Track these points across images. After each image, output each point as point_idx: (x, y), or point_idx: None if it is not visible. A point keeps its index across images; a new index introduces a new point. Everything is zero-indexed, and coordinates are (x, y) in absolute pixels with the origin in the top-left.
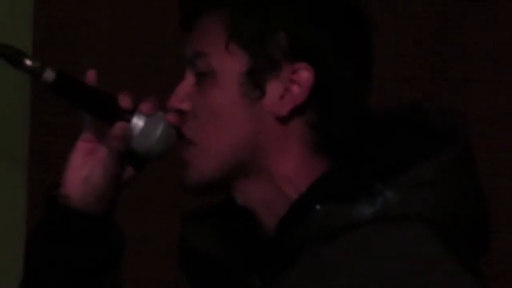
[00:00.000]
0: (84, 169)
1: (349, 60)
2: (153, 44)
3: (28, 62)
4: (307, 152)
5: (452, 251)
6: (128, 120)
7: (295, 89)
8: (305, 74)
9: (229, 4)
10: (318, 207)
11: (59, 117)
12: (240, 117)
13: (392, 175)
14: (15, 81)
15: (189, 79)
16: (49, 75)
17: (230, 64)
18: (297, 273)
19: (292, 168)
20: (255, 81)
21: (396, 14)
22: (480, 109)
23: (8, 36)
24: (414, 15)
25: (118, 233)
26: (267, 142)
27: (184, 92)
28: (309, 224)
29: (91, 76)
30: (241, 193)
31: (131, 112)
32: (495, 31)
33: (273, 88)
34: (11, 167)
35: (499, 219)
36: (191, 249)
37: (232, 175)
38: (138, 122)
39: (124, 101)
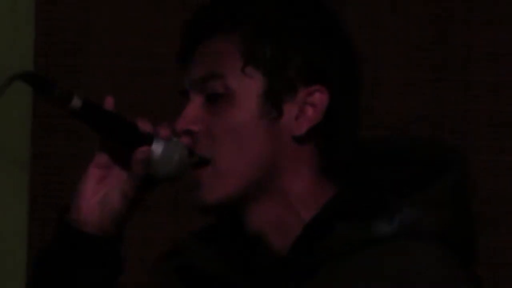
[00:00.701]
0: (98, 194)
1: (353, 84)
2: (155, 46)
3: (56, 91)
4: (315, 174)
5: (463, 267)
6: (149, 145)
7: (310, 110)
8: (319, 96)
9: (244, 27)
10: (336, 225)
11: (60, 119)
12: (259, 137)
13: (406, 193)
14: (16, 83)
15: (197, 101)
16: (76, 103)
17: (247, 85)
18: None
19: (304, 189)
20: (272, 102)
21: (397, 16)
22: (482, 110)
23: (10, 39)
24: (414, 18)
25: (122, 254)
26: (282, 162)
27: (192, 114)
28: (326, 242)
29: (109, 102)
30: (252, 214)
31: (150, 137)
32: (496, 32)
33: (289, 109)
34: (13, 168)
35: None
36: (193, 268)
37: (246, 196)
38: (157, 147)
39: (144, 127)
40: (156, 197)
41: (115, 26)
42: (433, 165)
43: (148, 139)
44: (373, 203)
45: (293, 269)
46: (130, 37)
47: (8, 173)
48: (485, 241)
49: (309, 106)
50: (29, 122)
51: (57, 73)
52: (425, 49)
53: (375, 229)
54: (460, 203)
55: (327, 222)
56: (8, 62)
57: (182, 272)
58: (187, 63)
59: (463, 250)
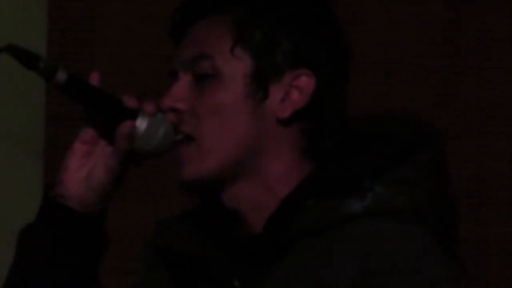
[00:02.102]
0: (83, 169)
1: (341, 70)
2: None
3: (41, 64)
4: (297, 155)
5: (437, 241)
6: (133, 120)
7: (295, 94)
8: (306, 80)
9: (235, 11)
10: (308, 202)
11: (74, 108)
12: (244, 117)
13: (379, 172)
14: (30, 73)
15: (185, 80)
16: (61, 76)
17: (235, 67)
18: (284, 268)
19: (283, 169)
20: (259, 83)
21: (410, 3)
22: (496, 95)
23: (24, 28)
24: (428, 4)
25: (105, 231)
26: (264, 143)
27: (180, 92)
28: (299, 220)
29: (95, 78)
30: (231, 193)
31: (135, 113)
32: (510, 17)
33: (275, 92)
34: (28, 158)
35: None
36: (169, 251)
37: (226, 174)
38: (142, 122)
39: (130, 102)
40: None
41: (127, 14)
42: (406, 143)
43: (133, 114)
44: (345, 182)
45: (267, 247)
46: (143, 26)
47: (23, 162)
48: None
49: (294, 89)
50: (43, 111)
51: (71, 61)
52: (438, 36)
53: (347, 207)
54: (434, 181)
55: (300, 200)
56: (21, 29)
57: (164, 254)
58: (178, 44)
59: (439, 228)
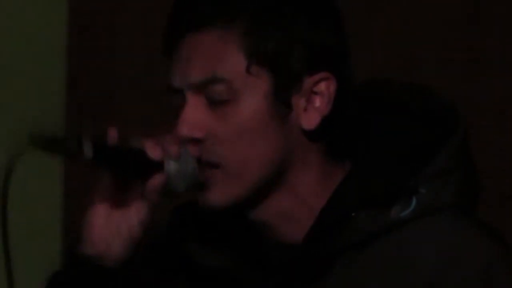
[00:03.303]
0: (109, 226)
1: (349, 61)
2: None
3: (68, 146)
4: (325, 162)
5: (483, 229)
6: (161, 168)
7: (318, 100)
8: (326, 84)
9: (242, 20)
10: (354, 214)
11: (95, 105)
12: (270, 136)
13: (418, 169)
14: (49, 66)
15: (197, 104)
16: (88, 152)
17: (253, 86)
18: (334, 281)
19: (315, 180)
20: (280, 98)
21: None
22: None
23: (44, 23)
24: None
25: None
26: (293, 157)
27: (194, 119)
28: (345, 231)
29: (113, 136)
30: (260, 208)
31: (161, 163)
32: None
33: (297, 102)
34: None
35: None
36: (189, 259)
37: (256, 194)
38: (169, 167)
39: (154, 153)
40: None
41: (148, 6)
42: (435, 129)
43: (159, 164)
44: (387, 187)
45: (309, 259)
46: (163, 17)
47: (42, 159)
48: None
49: (316, 95)
50: (63, 106)
51: (90, 53)
52: (460, 29)
53: (395, 215)
54: (467, 168)
55: (341, 210)
56: (41, 43)
57: (182, 259)
58: (174, 55)
59: (474, 215)
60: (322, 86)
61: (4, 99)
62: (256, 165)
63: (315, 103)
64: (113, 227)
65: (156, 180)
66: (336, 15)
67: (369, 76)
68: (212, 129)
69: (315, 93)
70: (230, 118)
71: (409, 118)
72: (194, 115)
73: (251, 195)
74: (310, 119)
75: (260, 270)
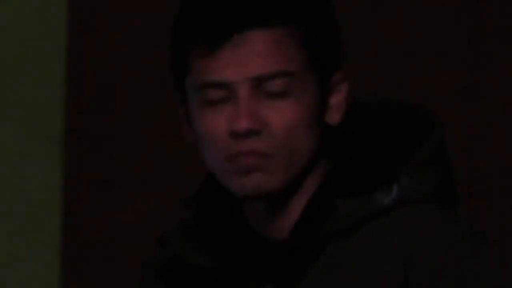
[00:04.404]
0: None
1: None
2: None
3: None
4: (326, 156)
5: (461, 222)
6: None
7: (339, 98)
8: (344, 84)
9: (300, 21)
10: (337, 202)
11: (95, 96)
12: (315, 131)
13: (399, 161)
14: (50, 61)
15: (255, 97)
16: None
17: (308, 82)
18: (320, 269)
19: (318, 173)
20: (323, 95)
21: None
22: None
23: (43, 21)
24: None
25: None
26: (317, 150)
27: (254, 111)
28: (329, 219)
29: None
30: (281, 202)
31: None
32: None
33: (327, 100)
34: (48, 145)
35: None
36: (179, 265)
37: (290, 186)
38: None
39: None
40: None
41: (146, 3)
42: (414, 127)
43: None
44: (369, 176)
45: (295, 252)
46: (161, 12)
47: (43, 151)
48: None
49: (337, 93)
50: (63, 98)
51: (90, 44)
52: (460, 22)
53: (376, 202)
54: (443, 162)
55: (324, 199)
56: (40, 42)
57: (171, 268)
58: (223, 50)
59: (453, 209)
60: (342, 85)
61: (3, 99)
62: (302, 158)
63: (338, 100)
64: None
65: None
66: (337, 19)
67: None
68: (268, 122)
69: (338, 91)
70: (286, 111)
71: (390, 118)
72: (253, 108)
73: (288, 186)
74: (334, 116)
75: (249, 268)
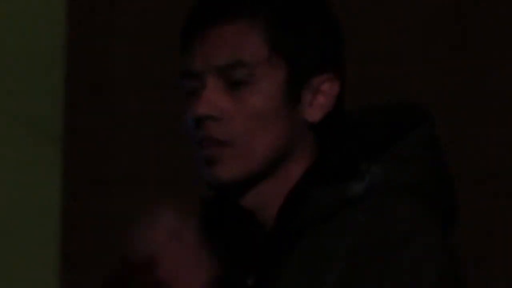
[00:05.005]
0: None
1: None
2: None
3: None
4: (315, 152)
5: (433, 215)
6: None
7: (322, 98)
8: (331, 85)
9: (265, 14)
10: (313, 191)
11: (94, 94)
12: (279, 122)
13: (374, 154)
14: (48, 61)
15: (217, 86)
16: None
17: (271, 74)
18: (297, 257)
19: (303, 167)
20: (293, 89)
21: None
22: (502, 84)
23: (43, 21)
24: None
25: None
26: (293, 145)
27: (213, 98)
28: (306, 208)
29: None
30: (253, 193)
31: None
32: None
33: (305, 96)
34: (47, 144)
35: None
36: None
37: (257, 176)
38: None
39: None
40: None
41: (145, 3)
42: (399, 126)
43: None
44: (344, 168)
45: (279, 240)
46: (161, 8)
47: (42, 148)
48: None
49: (321, 93)
50: (62, 97)
51: (90, 29)
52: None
53: (348, 191)
54: (427, 158)
55: (302, 190)
56: (40, 41)
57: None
58: (197, 43)
59: (438, 205)
60: (327, 86)
61: (4, 97)
62: (263, 147)
63: (320, 100)
64: None
65: None
66: (338, 24)
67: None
68: (228, 110)
69: (321, 91)
70: (247, 100)
71: (381, 116)
72: (213, 95)
73: (254, 175)
74: (314, 114)
75: (241, 258)
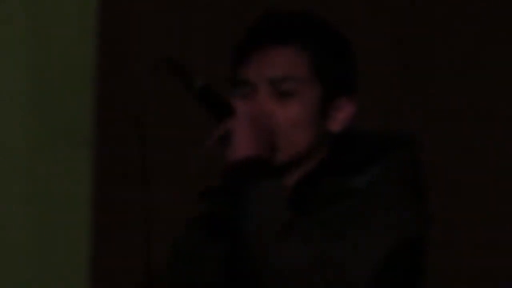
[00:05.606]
0: None
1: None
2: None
3: (197, 85)
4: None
5: (414, 201)
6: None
7: (342, 114)
8: (349, 105)
9: (312, 45)
10: (323, 180)
11: (125, 99)
12: (313, 129)
13: (372, 161)
14: (79, 64)
15: (268, 93)
16: (197, 85)
17: (311, 91)
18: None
19: (316, 162)
20: (324, 105)
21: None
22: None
23: (76, 42)
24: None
25: None
26: (316, 146)
27: (265, 103)
28: (314, 192)
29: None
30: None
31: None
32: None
33: (331, 112)
34: (77, 148)
35: None
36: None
37: (290, 164)
38: None
39: None
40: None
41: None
42: (391, 141)
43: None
44: (349, 165)
45: (295, 207)
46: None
47: (73, 152)
48: None
49: (342, 111)
50: (92, 101)
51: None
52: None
53: (352, 182)
54: (412, 164)
55: (317, 177)
56: (72, 38)
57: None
58: (252, 58)
59: (423, 202)
60: (347, 105)
61: (39, 98)
62: (300, 145)
63: (341, 116)
64: None
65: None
66: (355, 56)
67: None
68: (275, 114)
69: (342, 109)
70: (290, 108)
71: (381, 134)
72: (266, 100)
73: (288, 163)
74: (335, 126)
75: None
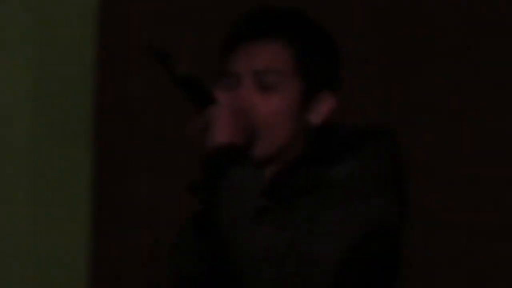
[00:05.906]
0: None
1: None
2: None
3: (179, 71)
4: (305, 142)
5: (390, 188)
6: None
7: (324, 108)
8: (331, 100)
9: (297, 41)
10: (301, 170)
11: (123, 100)
12: (293, 121)
13: (351, 151)
14: (80, 64)
15: (252, 85)
16: (181, 73)
17: (293, 84)
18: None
19: (296, 151)
20: (305, 99)
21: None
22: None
23: (75, 41)
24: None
25: None
26: (297, 138)
27: (247, 94)
28: (295, 180)
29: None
30: (272, 167)
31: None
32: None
33: (312, 105)
34: (77, 147)
35: None
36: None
37: (272, 157)
38: None
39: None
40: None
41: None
42: (369, 134)
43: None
44: (332, 155)
45: (274, 193)
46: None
47: (72, 154)
48: None
49: (323, 104)
50: (90, 103)
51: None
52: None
53: (332, 173)
54: (390, 156)
55: (297, 167)
56: (72, 38)
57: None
58: (239, 50)
59: (399, 193)
60: (328, 99)
61: (40, 98)
62: (278, 138)
63: (322, 109)
64: None
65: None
66: (340, 52)
67: None
68: (257, 105)
69: (324, 103)
70: (272, 100)
71: (361, 127)
72: (248, 92)
73: (271, 156)
74: (316, 119)
75: None
